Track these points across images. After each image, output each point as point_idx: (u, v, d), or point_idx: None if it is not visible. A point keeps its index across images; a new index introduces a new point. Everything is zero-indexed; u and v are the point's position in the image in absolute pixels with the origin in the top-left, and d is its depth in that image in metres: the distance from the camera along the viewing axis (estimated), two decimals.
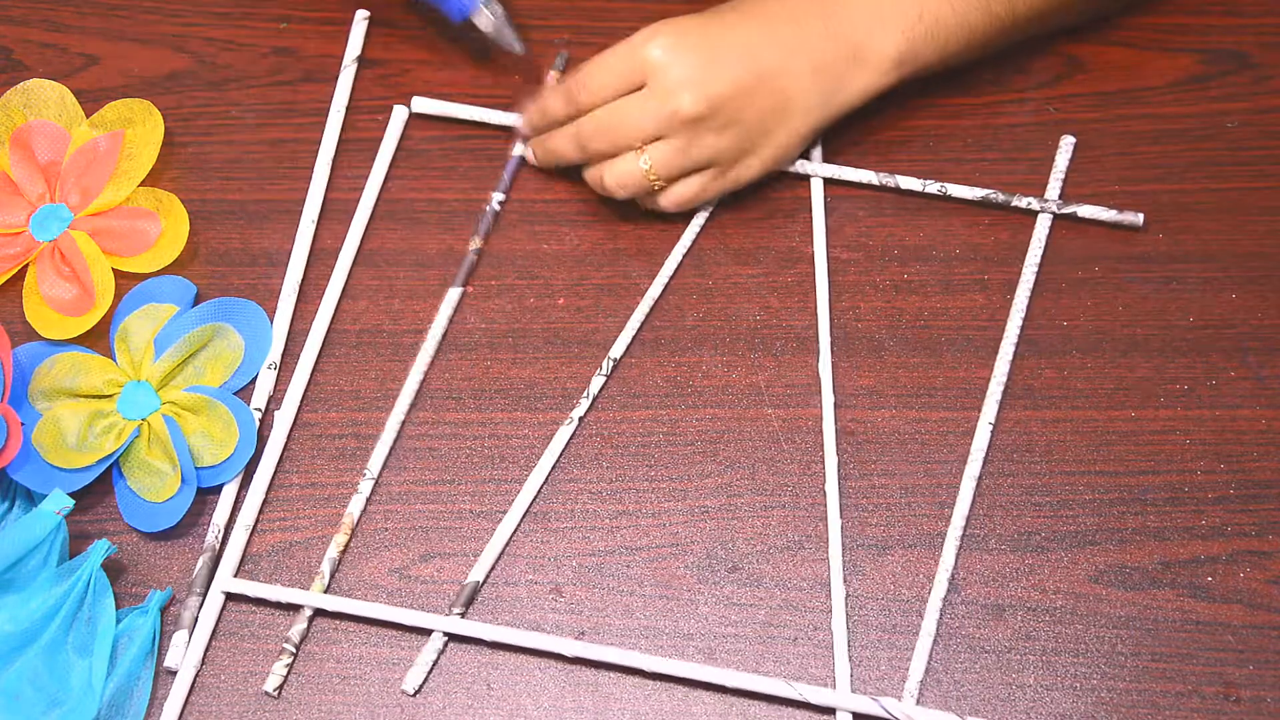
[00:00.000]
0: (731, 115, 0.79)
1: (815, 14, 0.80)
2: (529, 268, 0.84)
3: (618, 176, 0.81)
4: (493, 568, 0.76)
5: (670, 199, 0.82)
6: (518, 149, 0.86)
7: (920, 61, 0.81)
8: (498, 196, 0.85)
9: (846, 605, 0.75)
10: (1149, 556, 0.76)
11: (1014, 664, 0.74)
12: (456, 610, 0.74)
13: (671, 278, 0.83)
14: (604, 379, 0.80)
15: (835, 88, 0.81)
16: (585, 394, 0.80)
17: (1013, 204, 0.84)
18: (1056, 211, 0.83)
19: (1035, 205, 0.83)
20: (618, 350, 0.81)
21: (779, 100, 0.80)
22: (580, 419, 0.79)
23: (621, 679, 0.74)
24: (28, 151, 0.85)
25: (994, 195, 0.84)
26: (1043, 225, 0.83)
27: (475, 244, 0.84)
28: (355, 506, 0.77)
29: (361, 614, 0.75)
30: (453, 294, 0.83)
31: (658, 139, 0.80)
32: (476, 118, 0.87)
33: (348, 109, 0.88)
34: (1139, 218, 0.82)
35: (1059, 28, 0.87)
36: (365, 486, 0.78)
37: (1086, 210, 0.83)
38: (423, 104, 0.87)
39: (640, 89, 0.80)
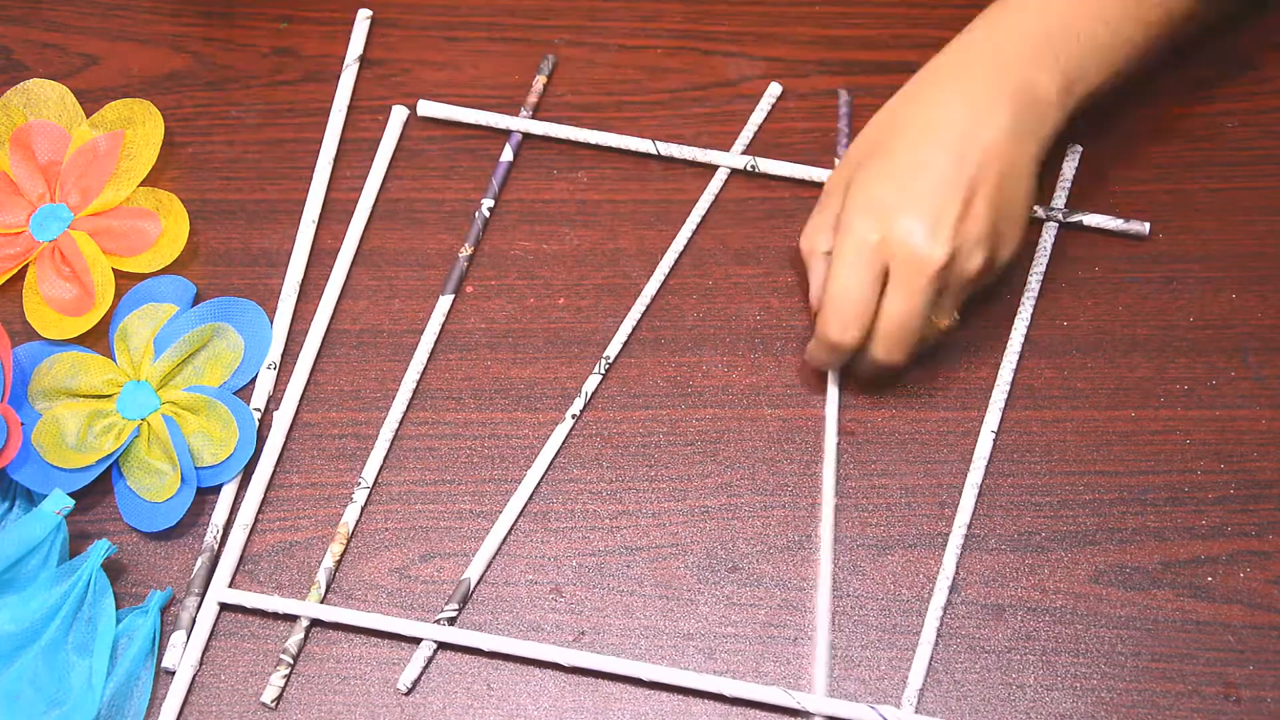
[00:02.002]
0: (976, 229, 0.74)
1: (983, 65, 0.77)
2: (529, 268, 0.84)
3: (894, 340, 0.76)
4: (489, 566, 0.76)
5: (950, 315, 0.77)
6: (507, 152, 0.86)
7: (1086, 88, 0.78)
8: (487, 203, 0.85)
9: (833, 609, 0.75)
10: (1149, 556, 0.76)
11: (1014, 664, 0.74)
12: (451, 607, 0.74)
13: (671, 278, 0.84)
14: (599, 378, 0.80)
15: (1029, 131, 0.76)
16: (581, 392, 0.80)
17: None
18: (1062, 220, 0.83)
19: (1041, 214, 0.83)
20: (613, 349, 0.81)
21: (999, 170, 0.75)
22: (575, 416, 0.79)
23: (622, 679, 0.74)
24: (28, 151, 0.85)
25: None
26: (1049, 233, 0.83)
27: (466, 250, 0.84)
28: (350, 515, 0.77)
29: (357, 624, 0.74)
30: (444, 301, 0.82)
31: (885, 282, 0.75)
32: (483, 122, 0.87)
33: (349, 109, 0.88)
34: (1145, 226, 0.82)
35: (1207, 25, 0.83)
36: (360, 495, 0.78)
37: (1092, 219, 0.83)
38: (429, 108, 0.87)
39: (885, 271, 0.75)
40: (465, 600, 0.75)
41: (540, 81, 0.88)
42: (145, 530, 0.77)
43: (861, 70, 0.90)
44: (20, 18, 0.92)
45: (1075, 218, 0.83)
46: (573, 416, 0.79)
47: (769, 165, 0.86)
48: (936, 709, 0.73)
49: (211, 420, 0.78)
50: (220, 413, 0.78)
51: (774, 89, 0.88)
